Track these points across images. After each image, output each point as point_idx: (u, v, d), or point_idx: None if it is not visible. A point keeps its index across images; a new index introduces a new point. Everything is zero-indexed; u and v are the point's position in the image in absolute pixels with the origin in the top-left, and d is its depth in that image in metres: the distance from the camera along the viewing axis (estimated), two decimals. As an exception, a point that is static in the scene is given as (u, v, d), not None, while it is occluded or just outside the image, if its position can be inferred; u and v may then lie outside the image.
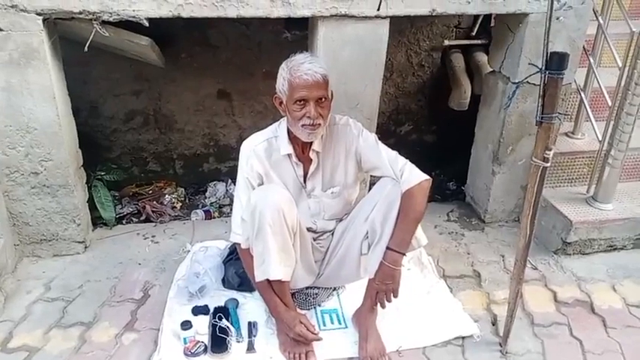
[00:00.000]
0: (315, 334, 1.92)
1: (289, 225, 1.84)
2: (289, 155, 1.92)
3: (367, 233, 1.92)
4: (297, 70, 1.75)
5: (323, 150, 1.93)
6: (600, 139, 2.51)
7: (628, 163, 2.65)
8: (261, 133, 1.98)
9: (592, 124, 2.56)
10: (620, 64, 2.37)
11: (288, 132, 1.91)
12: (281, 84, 1.81)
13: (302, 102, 1.77)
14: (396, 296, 1.89)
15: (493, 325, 2.12)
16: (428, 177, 1.87)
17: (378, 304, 1.92)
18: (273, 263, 1.83)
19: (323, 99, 1.79)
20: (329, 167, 1.97)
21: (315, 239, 2.07)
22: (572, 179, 2.74)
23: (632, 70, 2.26)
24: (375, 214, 1.87)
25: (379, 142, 1.95)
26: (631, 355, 1.99)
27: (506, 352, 1.98)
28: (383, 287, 1.87)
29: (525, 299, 2.24)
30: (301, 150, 1.93)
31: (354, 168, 1.98)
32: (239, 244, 1.99)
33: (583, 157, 2.70)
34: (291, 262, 1.89)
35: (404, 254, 1.85)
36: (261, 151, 1.93)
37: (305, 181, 1.97)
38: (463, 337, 2.05)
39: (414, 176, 1.85)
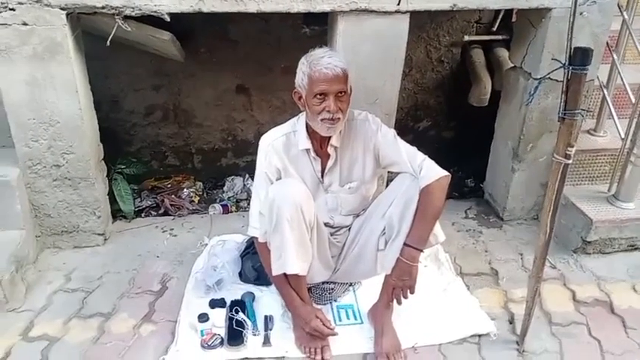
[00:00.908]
0: (331, 329, 1.92)
1: (307, 220, 1.84)
2: (307, 150, 1.92)
3: (384, 229, 1.91)
4: (316, 64, 1.75)
5: (341, 145, 1.93)
6: (623, 136, 2.47)
7: (651, 162, 2.59)
8: (279, 127, 1.98)
9: (614, 122, 2.51)
10: (645, 61, 2.33)
11: (307, 127, 1.91)
12: (300, 78, 1.81)
13: (322, 96, 1.77)
14: (412, 293, 1.88)
15: (510, 323, 2.10)
16: (447, 173, 1.86)
17: (394, 301, 1.92)
18: (290, 257, 1.83)
19: (342, 93, 1.79)
20: (347, 162, 1.97)
21: (332, 234, 2.07)
22: (593, 177, 2.70)
23: (657, 66, 2.22)
24: (393, 210, 1.87)
25: (398, 137, 1.94)
26: (651, 356, 1.96)
27: (524, 351, 1.97)
28: (399, 283, 1.86)
29: (543, 298, 2.21)
30: (319, 145, 1.93)
31: (372, 163, 1.97)
32: (256, 238, 2.00)
33: (605, 155, 2.65)
34: (308, 256, 1.90)
35: (421, 251, 1.84)
36: (280, 146, 1.93)
37: (323, 176, 1.98)
38: (480, 335, 2.03)
39: (433, 172, 1.84)
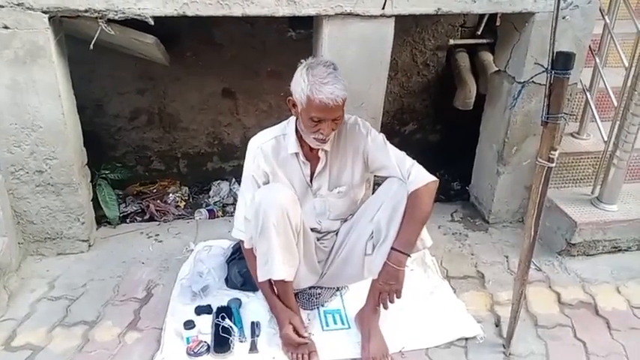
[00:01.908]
0: (303, 336, 1.91)
1: (293, 225, 1.83)
2: (297, 154, 1.92)
3: (372, 233, 1.91)
4: (319, 90, 1.70)
5: (331, 149, 1.92)
6: (606, 139, 2.50)
7: (633, 164, 2.63)
8: (269, 130, 1.98)
9: (597, 125, 2.54)
10: (627, 64, 2.36)
11: (297, 130, 1.90)
12: (298, 93, 1.76)
13: (318, 119, 1.75)
14: (399, 297, 1.88)
15: (496, 326, 2.11)
16: (435, 178, 1.87)
17: (381, 305, 1.91)
18: (277, 263, 1.83)
19: (338, 117, 1.78)
20: (336, 166, 1.96)
21: (319, 239, 2.07)
22: (576, 180, 2.73)
23: (638, 70, 2.24)
24: (381, 215, 1.86)
25: (387, 142, 1.94)
26: (635, 357, 1.98)
27: (510, 354, 1.98)
28: (386, 288, 1.86)
29: (529, 300, 2.23)
30: (309, 148, 1.92)
31: (362, 167, 1.97)
32: (243, 242, 2.00)
33: (588, 158, 2.68)
34: (294, 262, 1.89)
35: (408, 255, 1.84)
36: (269, 149, 1.92)
37: (312, 180, 1.97)
38: (466, 339, 2.04)
39: (422, 177, 1.84)
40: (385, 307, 1.91)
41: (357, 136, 1.93)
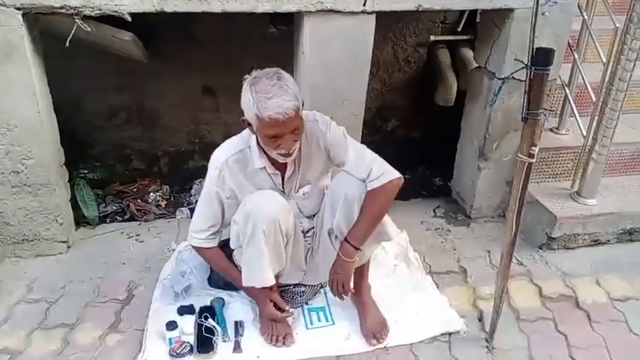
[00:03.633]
0: (285, 310, 1.96)
1: (284, 232, 1.82)
2: (264, 167, 1.86)
3: (336, 235, 1.92)
4: (265, 107, 1.60)
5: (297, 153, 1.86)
6: (584, 134, 2.53)
7: (611, 158, 2.66)
8: (233, 142, 1.89)
9: (576, 120, 2.58)
10: (605, 60, 2.38)
11: (259, 143, 1.81)
12: (248, 114, 1.68)
13: (275, 135, 1.67)
14: (346, 288, 1.90)
15: (479, 320, 2.13)
16: (399, 175, 1.82)
17: (366, 280, 1.99)
18: (265, 271, 1.83)
19: (296, 128, 1.69)
20: (303, 167, 1.92)
21: (305, 239, 2.07)
22: (556, 174, 2.76)
23: (616, 65, 2.27)
24: (339, 220, 1.86)
25: (348, 136, 1.87)
26: (615, 349, 2.01)
27: (493, 348, 2.00)
28: (335, 277, 1.89)
29: (511, 294, 2.25)
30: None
31: (325, 163, 1.93)
32: (200, 248, 2.01)
33: (567, 153, 2.71)
34: (280, 266, 1.90)
35: (358, 249, 1.84)
36: (234, 165, 1.85)
37: (283, 185, 1.93)
38: (450, 333, 2.05)
39: (384, 175, 1.79)
40: (340, 298, 1.95)
41: (317, 132, 1.85)
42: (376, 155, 1.86)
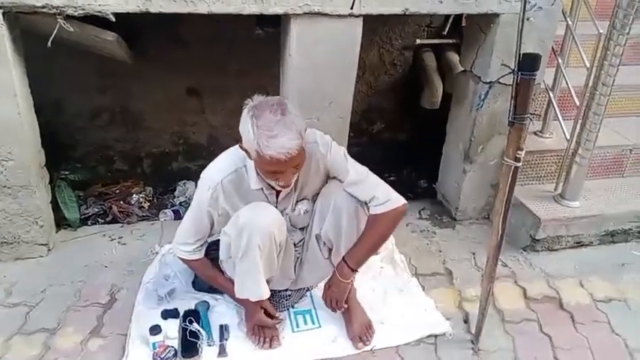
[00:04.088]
0: (275, 317, 1.95)
1: (278, 244, 1.80)
2: (261, 189, 1.80)
3: (324, 242, 1.92)
4: (267, 146, 1.52)
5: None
6: (568, 138, 2.56)
7: (594, 161, 2.70)
8: (227, 160, 1.80)
9: (560, 124, 2.60)
10: (588, 65, 2.41)
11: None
12: (247, 143, 1.60)
13: (274, 171, 1.62)
14: (340, 305, 1.94)
15: (465, 322, 2.14)
16: (404, 201, 1.81)
17: (355, 285, 1.98)
18: (261, 285, 1.83)
19: (298, 164, 1.64)
20: (299, 186, 1.87)
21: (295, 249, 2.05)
22: (540, 177, 2.79)
23: (599, 70, 2.30)
24: (327, 227, 1.86)
25: (348, 157, 1.82)
26: (598, 349, 2.03)
27: (479, 350, 2.01)
28: (329, 294, 1.93)
29: (496, 296, 2.26)
30: None
31: (322, 182, 1.89)
32: (186, 260, 1.99)
33: (551, 156, 2.74)
34: (271, 273, 1.89)
35: (356, 271, 1.87)
36: (229, 186, 1.77)
37: (277, 203, 1.87)
38: (436, 335, 2.06)
39: (390, 202, 1.78)
40: (333, 311, 1.98)
41: (317, 154, 1.78)
42: (380, 179, 1.83)
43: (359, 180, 1.79)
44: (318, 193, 1.92)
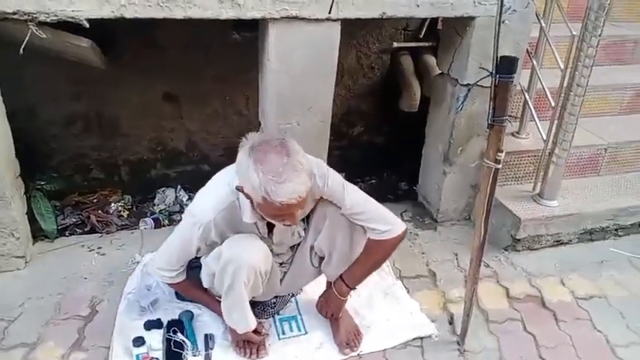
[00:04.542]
0: (262, 333, 1.94)
1: (263, 274, 1.77)
2: (255, 223, 1.71)
3: (315, 252, 1.90)
4: (276, 193, 1.42)
5: None
6: (545, 138, 2.60)
7: (571, 161, 2.75)
8: (219, 194, 1.68)
9: (536, 124, 2.64)
10: (562, 66, 2.45)
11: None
12: (250, 189, 1.49)
13: (282, 215, 1.55)
14: (335, 317, 1.99)
15: (450, 324, 2.15)
16: (404, 228, 1.81)
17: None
18: (248, 317, 1.83)
19: (305, 205, 1.58)
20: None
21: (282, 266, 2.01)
22: (518, 177, 2.82)
23: (573, 71, 2.34)
24: (321, 242, 1.84)
25: (347, 186, 1.75)
26: (581, 346, 2.07)
27: (464, 351, 2.02)
28: (325, 307, 1.98)
29: (479, 296, 2.27)
30: None
31: (315, 203, 1.83)
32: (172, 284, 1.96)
33: (528, 156, 2.78)
34: (256, 294, 1.86)
35: (354, 289, 1.90)
36: (222, 222, 1.68)
37: (272, 234, 1.80)
38: (422, 338, 2.06)
39: (392, 230, 1.76)
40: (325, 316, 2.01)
41: (314, 187, 1.64)
42: (379, 205, 1.79)
43: (358, 211, 1.75)
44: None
